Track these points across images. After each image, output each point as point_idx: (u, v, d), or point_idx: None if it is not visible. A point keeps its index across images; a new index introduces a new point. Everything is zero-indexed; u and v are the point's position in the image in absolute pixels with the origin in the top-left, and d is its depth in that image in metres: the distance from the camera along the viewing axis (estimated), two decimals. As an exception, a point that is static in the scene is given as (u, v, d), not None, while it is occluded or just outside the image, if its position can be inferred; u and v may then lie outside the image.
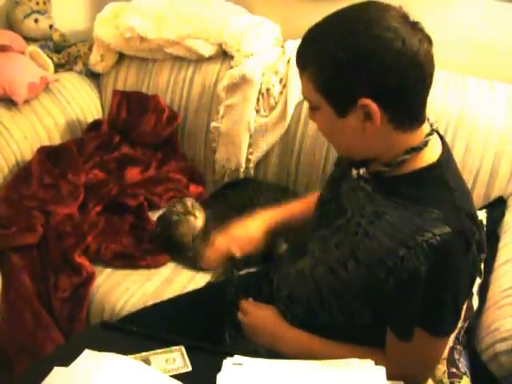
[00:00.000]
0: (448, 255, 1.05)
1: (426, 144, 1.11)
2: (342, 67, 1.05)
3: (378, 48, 1.02)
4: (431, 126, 1.16)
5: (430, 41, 1.07)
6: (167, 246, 1.87)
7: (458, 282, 1.09)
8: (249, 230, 1.49)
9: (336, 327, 1.23)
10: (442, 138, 1.18)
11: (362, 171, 1.19)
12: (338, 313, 1.20)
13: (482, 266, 1.63)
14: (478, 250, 1.09)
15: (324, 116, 1.13)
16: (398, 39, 1.02)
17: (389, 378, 1.06)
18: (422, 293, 1.07)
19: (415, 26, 1.05)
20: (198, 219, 1.84)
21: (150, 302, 1.63)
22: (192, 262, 1.85)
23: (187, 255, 1.85)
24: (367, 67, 1.03)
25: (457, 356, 1.46)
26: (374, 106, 1.05)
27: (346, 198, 1.24)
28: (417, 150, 1.11)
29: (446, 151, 1.16)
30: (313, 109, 1.15)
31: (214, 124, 2.20)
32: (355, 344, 1.21)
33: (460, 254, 1.06)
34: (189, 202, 1.86)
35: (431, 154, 1.13)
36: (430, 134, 1.13)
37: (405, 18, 1.05)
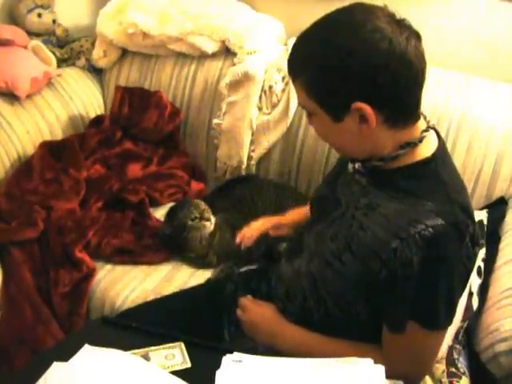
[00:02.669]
0: (441, 247, 1.06)
1: (421, 140, 1.12)
2: (332, 73, 1.06)
3: (366, 50, 1.03)
4: (427, 122, 1.16)
5: (418, 37, 1.07)
6: (171, 245, 1.87)
7: (452, 274, 1.09)
8: (282, 218, 1.64)
9: (333, 324, 1.23)
10: (438, 134, 1.19)
11: (357, 165, 1.21)
12: (335, 309, 1.21)
13: (483, 266, 1.64)
14: (472, 242, 1.10)
15: (320, 121, 1.14)
16: (384, 39, 1.02)
17: (387, 376, 1.06)
18: (415, 285, 1.08)
19: (402, 24, 1.06)
20: (211, 223, 1.83)
21: (150, 298, 1.63)
22: (193, 261, 1.85)
23: (190, 255, 1.85)
24: (356, 71, 1.04)
25: (456, 356, 1.46)
26: (368, 109, 1.05)
27: (340, 192, 1.25)
28: (411, 145, 1.12)
29: (442, 147, 1.17)
30: (309, 115, 1.16)
31: (216, 121, 2.19)
32: (354, 341, 1.21)
33: (453, 246, 1.07)
34: (202, 205, 1.85)
35: (426, 149, 1.14)
36: (425, 131, 1.14)
37: (391, 17, 1.06)
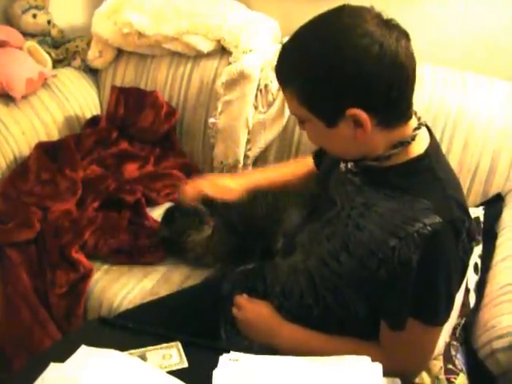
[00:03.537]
0: (439, 245, 1.06)
1: (413, 138, 1.12)
2: (323, 81, 1.05)
3: (357, 57, 1.02)
4: (419, 119, 1.16)
5: (407, 36, 1.07)
6: (169, 247, 1.87)
7: (450, 270, 1.10)
8: (230, 182, 1.59)
9: (331, 321, 1.23)
10: (430, 130, 1.19)
11: (349, 165, 1.21)
12: (334, 305, 1.21)
13: (480, 262, 1.64)
14: (468, 238, 1.10)
15: (313, 128, 1.14)
16: (374, 44, 1.01)
17: (385, 373, 1.06)
18: (414, 282, 1.08)
19: (390, 25, 1.05)
20: (210, 227, 1.83)
21: (148, 299, 1.63)
22: (191, 262, 1.85)
23: (187, 255, 1.85)
24: (349, 78, 1.03)
25: (453, 352, 1.46)
26: (362, 115, 1.05)
27: (334, 191, 1.25)
28: (404, 143, 1.12)
29: (434, 143, 1.17)
30: (301, 122, 1.16)
31: (212, 120, 2.19)
32: (351, 338, 1.22)
33: (450, 243, 1.07)
34: (201, 208, 1.84)
35: (419, 146, 1.14)
36: (417, 128, 1.13)
37: (379, 18, 1.05)
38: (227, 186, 1.57)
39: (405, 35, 1.06)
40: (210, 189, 1.56)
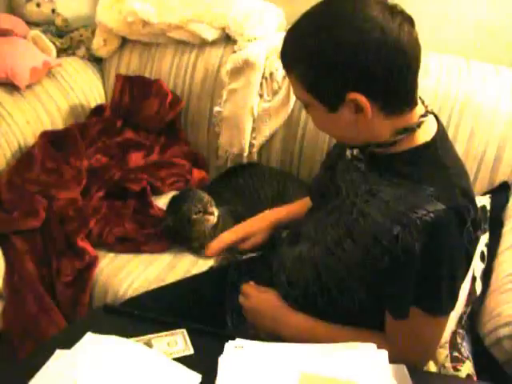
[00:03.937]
0: (442, 232, 1.05)
1: (419, 125, 1.11)
2: (326, 65, 1.05)
3: (358, 41, 1.02)
4: (426, 107, 1.15)
5: (411, 21, 1.06)
6: (174, 236, 1.87)
7: (453, 259, 1.09)
8: (253, 226, 1.57)
9: (336, 310, 1.23)
10: (437, 118, 1.18)
11: (355, 151, 1.20)
12: (338, 295, 1.21)
13: (486, 251, 1.63)
14: (473, 227, 1.09)
15: (316, 112, 1.14)
16: (376, 28, 1.01)
17: (390, 361, 1.06)
18: (417, 270, 1.07)
19: (393, 10, 1.04)
20: (215, 217, 1.83)
21: (153, 287, 1.63)
22: (196, 251, 1.85)
23: (192, 245, 1.85)
24: (350, 62, 1.03)
25: (459, 340, 1.46)
26: (363, 99, 1.05)
27: (340, 179, 1.25)
28: (409, 130, 1.11)
29: (441, 131, 1.16)
30: (306, 106, 1.16)
31: (217, 108, 2.19)
32: (357, 327, 1.21)
33: (454, 231, 1.06)
34: (205, 198, 1.84)
35: (425, 133, 1.13)
36: (423, 116, 1.13)
37: (382, 3, 1.05)
38: (251, 232, 1.57)
39: (409, 20, 1.05)
40: (231, 236, 1.58)
